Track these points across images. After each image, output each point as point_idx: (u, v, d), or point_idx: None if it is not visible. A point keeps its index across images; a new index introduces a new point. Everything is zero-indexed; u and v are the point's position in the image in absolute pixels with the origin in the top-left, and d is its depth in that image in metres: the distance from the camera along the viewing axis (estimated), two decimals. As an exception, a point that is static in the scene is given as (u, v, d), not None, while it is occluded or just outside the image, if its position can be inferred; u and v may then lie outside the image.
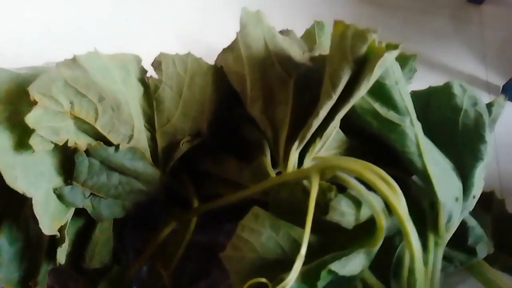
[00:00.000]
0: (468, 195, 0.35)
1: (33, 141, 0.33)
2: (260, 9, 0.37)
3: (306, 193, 0.30)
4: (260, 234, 0.30)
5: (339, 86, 0.28)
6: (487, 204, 0.51)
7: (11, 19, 0.73)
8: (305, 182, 0.30)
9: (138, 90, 0.38)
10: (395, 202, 0.26)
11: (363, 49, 0.27)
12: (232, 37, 0.38)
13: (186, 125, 0.38)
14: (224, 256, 0.31)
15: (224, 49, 0.38)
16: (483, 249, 0.40)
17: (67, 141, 0.36)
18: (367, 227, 0.29)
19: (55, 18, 0.74)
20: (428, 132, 0.41)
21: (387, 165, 0.35)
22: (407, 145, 0.35)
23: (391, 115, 0.36)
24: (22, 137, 0.35)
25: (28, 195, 0.34)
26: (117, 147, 0.37)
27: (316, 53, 0.41)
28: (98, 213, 0.39)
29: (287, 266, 0.27)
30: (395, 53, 0.27)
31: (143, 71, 0.39)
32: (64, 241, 0.37)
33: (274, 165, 0.35)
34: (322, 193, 0.29)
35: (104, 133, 0.37)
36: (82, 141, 0.37)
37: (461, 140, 0.40)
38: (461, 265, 0.39)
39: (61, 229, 0.36)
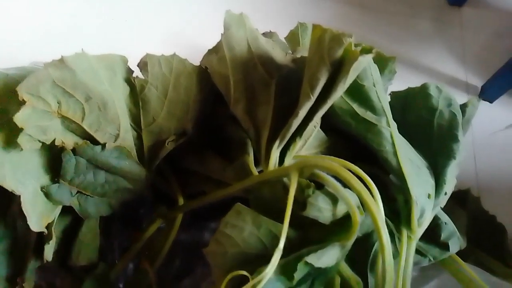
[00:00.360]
0: (440, 192, 0.37)
1: (21, 140, 0.34)
2: (243, 12, 0.38)
3: (286, 190, 0.31)
4: (242, 229, 0.31)
5: (317, 88, 0.30)
6: (463, 201, 0.53)
7: (5, 18, 0.73)
8: (285, 179, 0.32)
9: (124, 90, 0.39)
10: (367, 199, 0.27)
11: (339, 52, 0.29)
12: (217, 38, 0.39)
13: (172, 125, 0.39)
14: (207, 251, 0.32)
15: (208, 50, 0.40)
16: (455, 244, 0.42)
17: (54, 140, 0.37)
18: (343, 223, 0.31)
19: (42, 20, 0.75)
20: (405, 132, 0.42)
21: (365, 163, 0.37)
22: (383, 144, 0.36)
23: (368, 115, 0.38)
24: (10, 136, 0.35)
25: (17, 193, 0.34)
26: (103, 146, 0.38)
27: (300, 55, 0.42)
28: (84, 211, 0.40)
29: (268, 260, 0.28)
30: (369, 57, 0.29)
31: (129, 72, 0.40)
32: (51, 238, 0.38)
33: (257, 163, 0.37)
34: (300, 190, 0.30)
35: (91, 132, 0.37)
36: (69, 140, 0.38)
37: (436, 140, 0.42)
38: (434, 259, 0.41)
39: (48, 226, 0.37)
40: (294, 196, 0.30)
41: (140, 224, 0.47)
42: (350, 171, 0.30)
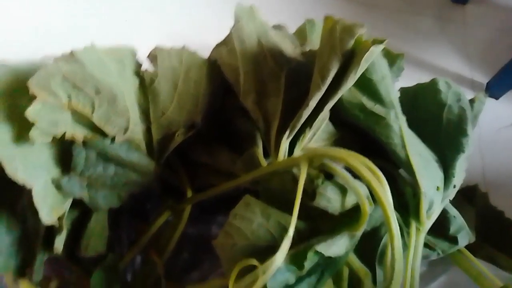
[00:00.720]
0: (449, 185, 0.37)
1: (33, 133, 0.34)
2: (253, 5, 0.38)
3: (296, 181, 0.31)
4: (251, 221, 0.31)
5: (328, 78, 0.30)
6: (471, 197, 0.53)
7: (6, 18, 0.74)
8: (294, 170, 0.32)
9: (134, 83, 0.39)
10: (377, 188, 0.27)
11: (351, 42, 0.29)
12: (225, 33, 0.39)
13: (181, 118, 0.40)
14: (216, 243, 0.32)
15: (218, 43, 0.40)
16: (464, 238, 0.42)
17: (64, 134, 0.37)
18: (352, 214, 0.31)
19: (50, 15, 0.75)
20: (415, 126, 0.42)
21: (374, 157, 0.37)
22: (391, 137, 0.36)
23: (377, 108, 0.38)
24: (21, 130, 0.36)
25: (28, 186, 0.35)
26: (113, 139, 0.39)
27: (307, 49, 0.42)
28: (94, 203, 0.40)
29: (277, 251, 0.29)
30: (380, 47, 0.29)
31: (139, 65, 0.41)
32: (62, 230, 0.38)
33: (266, 156, 0.37)
34: (310, 180, 0.30)
35: (101, 125, 0.38)
36: (79, 133, 0.38)
37: (445, 134, 0.42)
38: (443, 253, 0.41)
39: (59, 219, 0.38)
40: (303, 187, 0.30)
41: (148, 217, 0.47)
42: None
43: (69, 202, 0.39)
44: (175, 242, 0.44)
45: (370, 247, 0.42)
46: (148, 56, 0.39)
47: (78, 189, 0.39)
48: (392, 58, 0.49)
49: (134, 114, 0.39)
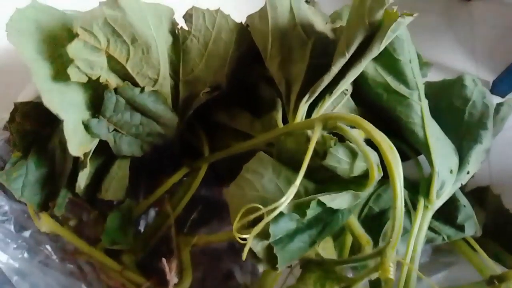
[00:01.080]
0: (463, 170, 0.37)
1: (70, 70, 0.37)
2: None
3: (309, 142, 0.32)
4: (262, 176, 0.33)
5: (353, 45, 0.31)
6: (482, 199, 0.52)
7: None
8: (309, 133, 0.33)
9: (168, 39, 0.41)
10: (386, 148, 0.28)
11: (380, 12, 0.30)
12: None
13: (208, 77, 0.41)
14: (227, 192, 0.34)
15: (253, 13, 0.41)
16: (471, 227, 0.42)
17: (99, 78, 0.39)
18: (360, 181, 0.32)
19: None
20: (437, 117, 0.43)
21: (390, 136, 0.37)
22: (411, 117, 0.37)
23: (401, 88, 0.39)
24: (60, 69, 0.38)
25: (61, 117, 0.37)
26: (142, 89, 0.41)
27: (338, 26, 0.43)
28: (118, 147, 0.43)
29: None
30: (408, 19, 0.29)
31: (174, 24, 0.42)
32: (86, 166, 0.40)
33: (285, 122, 0.38)
34: (322, 142, 0.31)
35: (133, 74, 0.40)
36: (112, 80, 0.40)
37: (465, 126, 0.42)
38: (448, 239, 0.41)
39: (84, 155, 0.40)
40: (315, 149, 0.31)
41: (164, 172, 0.49)
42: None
43: (95, 142, 0.42)
44: (189, 198, 0.46)
45: (376, 227, 0.43)
46: (184, 15, 0.41)
47: (105, 132, 0.41)
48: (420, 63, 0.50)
49: (165, 69, 0.41)
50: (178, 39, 0.42)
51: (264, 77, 0.41)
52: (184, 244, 0.41)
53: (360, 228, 0.33)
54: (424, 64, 0.50)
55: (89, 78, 0.38)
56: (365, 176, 0.32)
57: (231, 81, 0.42)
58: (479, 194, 0.52)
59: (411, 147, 0.40)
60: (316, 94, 0.33)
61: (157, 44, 0.39)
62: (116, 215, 0.43)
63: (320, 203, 0.28)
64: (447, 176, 0.35)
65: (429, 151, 0.35)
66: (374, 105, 0.41)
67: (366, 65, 0.39)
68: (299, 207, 0.28)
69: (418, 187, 0.39)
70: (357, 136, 0.29)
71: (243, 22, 0.42)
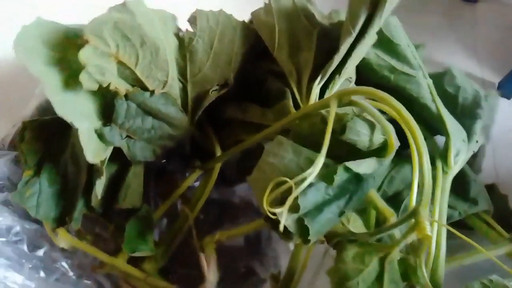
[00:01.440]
0: (472, 139, 0.39)
1: (82, 77, 0.37)
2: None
3: (325, 122, 0.33)
4: (283, 158, 0.33)
5: (358, 24, 0.32)
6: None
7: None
8: (324, 112, 0.34)
9: (174, 42, 0.42)
10: (405, 113, 0.29)
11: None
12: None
13: (215, 75, 0.42)
14: (250, 179, 0.34)
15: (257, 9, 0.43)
16: (484, 201, 0.43)
17: (108, 86, 0.40)
18: (379, 152, 0.32)
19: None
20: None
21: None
22: (421, 93, 0.39)
23: (406, 69, 0.41)
24: (69, 79, 0.39)
25: (75, 126, 0.37)
26: (152, 92, 0.41)
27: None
28: (132, 153, 0.43)
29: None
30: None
31: (178, 29, 0.44)
32: (102, 174, 0.40)
33: (297, 108, 0.39)
34: (338, 119, 0.32)
35: (142, 78, 0.41)
36: (122, 86, 0.41)
37: (461, 109, 0.45)
38: (464, 213, 0.42)
39: (101, 163, 0.40)
40: (333, 127, 0.32)
41: (174, 177, 0.49)
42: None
43: (109, 150, 0.42)
44: (205, 199, 0.46)
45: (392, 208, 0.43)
46: (189, 19, 0.42)
47: (118, 139, 0.42)
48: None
49: (173, 71, 0.42)
50: (183, 42, 0.43)
51: (271, 72, 0.43)
52: (207, 242, 0.41)
53: (382, 202, 0.34)
54: (418, 47, 0.52)
55: (99, 87, 0.39)
56: (383, 148, 0.32)
57: (238, 78, 0.43)
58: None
59: (425, 127, 0.41)
60: (328, 75, 0.35)
61: (165, 46, 0.40)
62: (135, 222, 0.43)
63: (347, 169, 0.28)
64: (461, 144, 0.37)
65: (443, 122, 0.37)
66: (381, 89, 0.42)
67: (368, 53, 0.41)
68: (326, 176, 0.29)
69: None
70: (373, 108, 0.30)
71: (246, 20, 0.44)
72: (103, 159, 0.41)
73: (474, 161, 0.47)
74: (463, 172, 0.42)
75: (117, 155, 0.43)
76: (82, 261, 0.48)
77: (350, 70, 0.37)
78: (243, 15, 0.44)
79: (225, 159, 0.45)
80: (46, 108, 0.52)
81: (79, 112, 0.39)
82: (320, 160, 0.28)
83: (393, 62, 0.41)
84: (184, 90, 0.44)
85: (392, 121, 0.32)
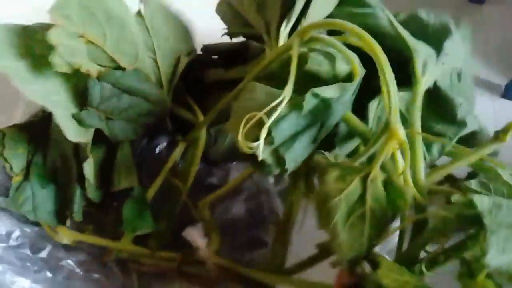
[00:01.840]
0: (441, 54, 0.38)
1: (53, 59, 0.37)
2: None
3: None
4: (257, 100, 0.33)
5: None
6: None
7: None
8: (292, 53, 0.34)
9: (136, 19, 0.43)
10: (369, 38, 0.29)
11: None
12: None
13: (181, 44, 0.43)
14: (228, 124, 0.34)
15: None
16: (473, 121, 0.42)
17: (79, 69, 0.40)
18: (346, 81, 0.33)
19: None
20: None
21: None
22: (381, 23, 0.39)
23: (365, 9, 0.41)
24: (36, 65, 0.39)
25: (48, 108, 0.38)
26: (124, 70, 0.42)
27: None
28: (113, 134, 0.43)
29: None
30: None
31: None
32: (89, 156, 0.41)
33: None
34: (303, 56, 0.33)
35: (113, 55, 0.41)
36: (93, 69, 0.42)
37: (432, 31, 0.44)
38: (454, 137, 0.42)
39: (85, 146, 0.40)
40: (299, 65, 0.32)
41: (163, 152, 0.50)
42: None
43: (91, 132, 0.42)
44: (196, 169, 0.46)
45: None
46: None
47: (97, 121, 0.42)
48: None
49: (141, 43, 0.42)
50: (143, 18, 0.43)
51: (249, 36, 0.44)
52: (202, 207, 0.41)
53: (355, 119, 0.34)
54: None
55: (71, 70, 0.39)
56: (349, 77, 0.33)
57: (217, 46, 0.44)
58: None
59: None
60: (293, 19, 0.36)
61: (130, 20, 0.41)
62: (130, 204, 0.43)
63: (315, 94, 0.29)
64: (428, 56, 0.37)
65: (403, 39, 0.36)
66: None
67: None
68: (295, 104, 0.29)
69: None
70: (333, 39, 0.31)
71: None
72: (86, 140, 0.41)
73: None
74: (449, 96, 0.42)
75: (101, 139, 0.44)
76: (87, 256, 0.48)
77: (317, 13, 0.38)
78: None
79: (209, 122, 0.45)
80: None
81: (51, 97, 0.40)
82: (289, 87, 0.29)
83: (350, 8, 0.41)
84: (155, 64, 0.44)
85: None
